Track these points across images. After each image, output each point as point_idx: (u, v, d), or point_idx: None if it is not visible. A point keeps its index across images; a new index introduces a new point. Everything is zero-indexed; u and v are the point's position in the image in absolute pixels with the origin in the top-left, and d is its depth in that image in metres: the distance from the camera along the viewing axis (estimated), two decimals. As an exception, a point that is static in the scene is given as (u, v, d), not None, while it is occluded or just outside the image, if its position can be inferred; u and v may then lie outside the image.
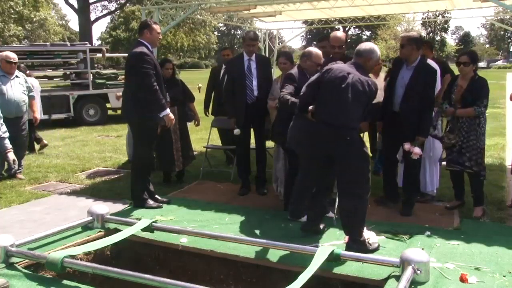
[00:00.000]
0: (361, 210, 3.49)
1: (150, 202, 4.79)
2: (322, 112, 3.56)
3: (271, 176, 5.32)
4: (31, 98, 6.58)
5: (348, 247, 3.46)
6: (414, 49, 4.40)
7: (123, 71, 6.61)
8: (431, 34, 38.02)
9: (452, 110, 4.51)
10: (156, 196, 4.92)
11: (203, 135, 7.27)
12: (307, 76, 4.36)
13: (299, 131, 3.74)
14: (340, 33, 4.79)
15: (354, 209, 3.47)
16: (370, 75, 3.96)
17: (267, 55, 10.82)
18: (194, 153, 7.77)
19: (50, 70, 13.13)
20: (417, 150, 4.15)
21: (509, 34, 68.53)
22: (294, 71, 4.41)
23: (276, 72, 5.83)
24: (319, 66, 4.34)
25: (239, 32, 66.53)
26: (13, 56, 6.25)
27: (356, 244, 3.45)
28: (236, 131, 5.33)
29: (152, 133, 4.77)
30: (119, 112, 9.48)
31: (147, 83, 4.48)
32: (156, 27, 4.76)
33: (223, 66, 6.94)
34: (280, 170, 5.02)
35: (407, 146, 4.26)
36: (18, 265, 3.14)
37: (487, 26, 73.24)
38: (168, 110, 4.66)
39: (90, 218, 3.91)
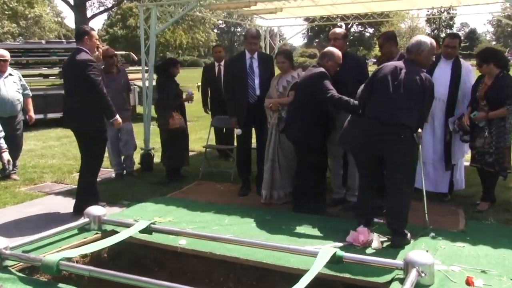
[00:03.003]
0: (406, 205, 3.64)
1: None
2: (375, 110, 3.68)
3: None
4: (26, 96, 6.58)
5: (394, 241, 3.60)
6: (393, 46, 4.82)
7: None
8: (436, 31, 38.05)
9: (484, 115, 4.57)
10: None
11: (203, 135, 7.28)
12: None
13: (354, 130, 3.88)
14: (338, 29, 4.95)
15: (400, 205, 3.63)
16: None
17: (267, 53, 10.81)
18: (194, 153, 7.83)
19: (46, 68, 13.13)
20: None
21: (516, 31, 68.46)
22: (322, 69, 4.36)
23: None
24: (338, 67, 4.46)
25: (239, 29, 66.61)
26: (3, 54, 6.24)
27: (401, 237, 3.61)
28: (238, 131, 5.34)
29: (104, 145, 5.02)
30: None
31: (99, 90, 4.68)
32: (95, 34, 4.90)
33: (216, 64, 7.23)
34: (266, 172, 5.06)
35: None
36: (12, 268, 3.13)
37: (494, 23, 73.22)
38: (117, 115, 4.89)
39: (87, 219, 3.91)
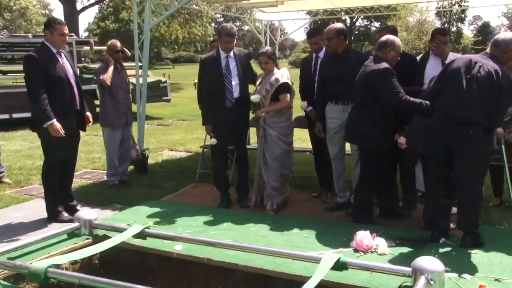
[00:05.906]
0: (477, 204, 3.73)
1: (65, 214, 4.86)
2: (445, 104, 3.66)
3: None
4: None
5: (464, 240, 3.69)
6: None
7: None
8: (446, 25, 38.05)
9: None
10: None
11: (199, 135, 7.29)
12: None
13: (425, 129, 3.83)
14: (330, 26, 4.79)
15: (471, 204, 3.70)
16: None
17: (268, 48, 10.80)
18: (190, 153, 7.84)
19: (33, 64, 13.11)
20: (402, 139, 4.21)
21: (532, 25, 68.38)
22: (386, 64, 4.14)
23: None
24: (398, 57, 4.35)
25: (238, 23, 66.57)
26: None
27: (473, 238, 3.69)
28: (213, 141, 5.15)
29: (59, 140, 4.64)
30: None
31: (28, 90, 4.60)
32: (60, 28, 4.70)
33: None
34: (256, 178, 5.12)
35: (396, 136, 4.34)
36: (-3, 276, 3.15)
37: (510, 16, 73.09)
38: (52, 121, 4.53)
39: (77, 224, 3.91)
